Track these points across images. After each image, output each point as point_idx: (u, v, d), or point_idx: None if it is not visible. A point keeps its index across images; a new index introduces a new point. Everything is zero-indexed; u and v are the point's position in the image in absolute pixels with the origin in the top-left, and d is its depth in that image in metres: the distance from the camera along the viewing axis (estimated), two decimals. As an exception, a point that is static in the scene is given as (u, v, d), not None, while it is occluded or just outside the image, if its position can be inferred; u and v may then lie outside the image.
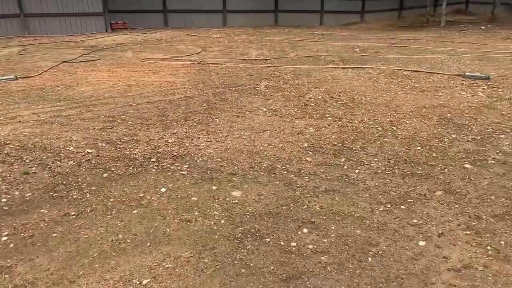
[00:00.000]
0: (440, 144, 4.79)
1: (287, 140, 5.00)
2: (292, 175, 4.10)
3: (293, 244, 3.05)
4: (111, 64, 9.88)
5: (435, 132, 5.17)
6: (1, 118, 5.80)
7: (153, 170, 4.21)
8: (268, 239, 3.10)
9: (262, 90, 7.37)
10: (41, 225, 3.31)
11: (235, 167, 4.28)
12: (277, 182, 3.96)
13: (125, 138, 5.07)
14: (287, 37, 15.35)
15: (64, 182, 3.97)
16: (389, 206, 3.55)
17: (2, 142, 4.89)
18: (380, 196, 3.70)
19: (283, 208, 3.52)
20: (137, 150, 4.69)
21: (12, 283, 2.69)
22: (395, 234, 3.16)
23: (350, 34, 16.71)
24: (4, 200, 3.66)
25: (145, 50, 12.13)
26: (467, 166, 4.26)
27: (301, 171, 4.18)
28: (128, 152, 4.64)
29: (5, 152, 4.62)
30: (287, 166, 4.30)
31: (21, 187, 3.89)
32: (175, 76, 8.54)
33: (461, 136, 5.03)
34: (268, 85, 7.72)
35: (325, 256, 2.92)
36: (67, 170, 4.22)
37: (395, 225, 3.27)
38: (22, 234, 3.19)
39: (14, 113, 6.05)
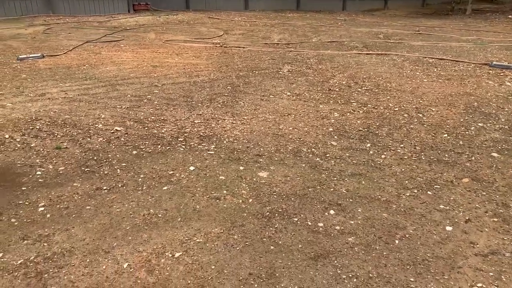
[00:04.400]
0: (467, 132, 4.76)
1: (312, 124, 5.02)
2: (317, 158, 4.13)
3: (320, 224, 3.11)
4: (134, 45, 9.95)
5: (462, 120, 5.13)
6: (31, 95, 5.93)
7: (181, 149, 4.28)
8: (295, 219, 3.16)
9: (285, 74, 7.37)
10: (75, 198, 3.42)
11: (261, 149, 4.33)
12: (303, 165, 4.00)
13: (152, 117, 5.15)
14: (309, 22, 15.22)
15: (95, 158, 4.07)
16: (415, 191, 3.57)
17: (34, 118, 5.01)
18: (406, 182, 3.72)
19: (310, 190, 3.57)
20: (165, 129, 4.77)
21: (51, 250, 2.81)
22: (421, 219, 3.19)
23: (373, 20, 16.49)
24: (39, 173, 3.78)
25: (167, 32, 12.17)
26: (495, 154, 4.24)
27: (327, 155, 4.21)
28: (156, 131, 4.72)
29: (37, 127, 4.74)
30: (313, 149, 4.33)
31: (54, 161, 4.00)
32: (198, 58, 8.58)
33: (488, 125, 4.98)
34: (291, 69, 7.71)
35: (352, 237, 2.97)
36: (97, 146, 4.32)
37: (421, 210, 3.30)
38: (58, 206, 3.30)
39: (43, 90, 6.18)
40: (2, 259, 2.73)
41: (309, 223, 3.12)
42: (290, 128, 4.87)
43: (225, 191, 3.53)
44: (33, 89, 6.20)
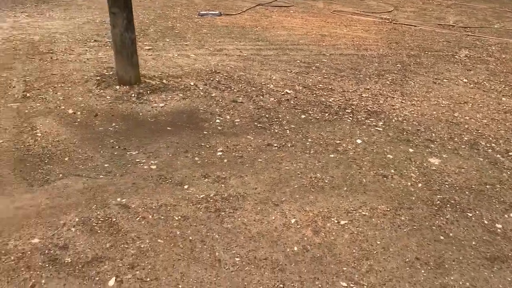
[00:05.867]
0: None
1: (492, 117, 4.57)
2: (498, 155, 3.77)
3: (499, 226, 2.86)
4: (303, 12, 10.06)
5: None
6: (211, 49, 6.42)
7: (348, 121, 4.27)
8: (470, 214, 2.95)
9: (461, 59, 6.78)
10: (249, 149, 3.66)
11: (433, 134, 4.09)
12: (480, 159, 3.69)
13: (320, 85, 5.20)
14: (491, 5, 13.66)
15: (267, 116, 4.28)
16: None
17: (213, 71, 5.44)
18: None
19: (487, 186, 3.29)
20: (332, 99, 4.79)
21: (227, 192, 3.07)
22: None
23: None
24: (218, 121, 4.12)
25: (335, 2, 12.02)
26: None
27: (510, 153, 3.81)
28: (323, 99, 4.77)
29: (217, 79, 5.14)
30: (492, 144, 3.96)
31: (231, 112, 4.31)
32: (367, 32, 8.35)
33: None
34: (469, 54, 7.06)
35: (536, 248, 2.68)
36: (268, 105, 4.53)
37: None
38: (233, 153, 3.57)
39: (220, 46, 6.64)
40: (187, 191, 3.06)
41: (485, 222, 2.88)
42: (467, 118, 4.51)
43: (392, 171, 3.44)
44: (212, 44, 6.70)
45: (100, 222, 2.72)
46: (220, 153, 3.56)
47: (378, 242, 2.66)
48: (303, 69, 5.77)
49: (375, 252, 2.58)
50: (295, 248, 2.59)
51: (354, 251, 2.59)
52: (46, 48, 6.01)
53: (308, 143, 3.80)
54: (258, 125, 4.09)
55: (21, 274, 2.30)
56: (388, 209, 2.96)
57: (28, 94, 4.45)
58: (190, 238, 2.63)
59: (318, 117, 4.30)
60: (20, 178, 3.13)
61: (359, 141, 3.87)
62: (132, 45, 4.50)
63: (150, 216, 2.79)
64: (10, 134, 3.71)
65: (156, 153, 3.52)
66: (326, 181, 3.26)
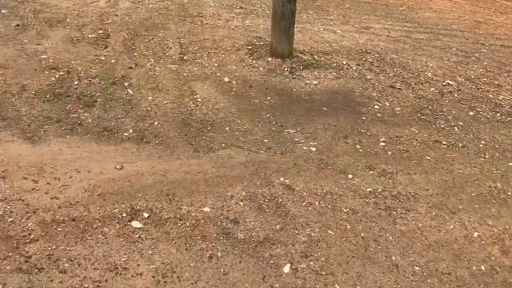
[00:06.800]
0: None
1: None
2: None
3: None
4: (451, -7, 9.20)
5: None
6: (357, 26, 6.08)
7: (525, 125, 3.76)
8: None
9: None
10: (414, 143, 3.36)
11: None
12: None
13: (484, 79, 4.67)
14: None
15: (430, 108, 3.92)
16: None
17: (363, 50, 5.13)
18: None
19: None
20: (501, 97, 4.27)
21: (395, 189, 2.83)
22: None
23: None
24: (376, 107, 3.85)
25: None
26: None
27: None
28: (491, 96, 4.26)
29: (369, 60, 4.83)
30: None
31: (390, 99, 4.01)
32: (528, 21, 7.39)
33: None
34: None
35: None
36: (430, 96, 4.15)
37: None
38: (397, 146, 3.30)
39: (366, 23, 6.26)
40: (352, 181, 2.88)
41: None
42: None
43: None
44: (357, 21, 6.34)
45: (267, 200, 2.65)
46: (383, 144, 3.31)
47: None
48: (461, 58, 5.23)
49: None
50: (482, 267, 2.30)
51: (555, 284, 2.23)
52: (195, 11, 6.11)
53: (481, 145, 3.40)
54: (422, 117, 3.75)
55: (198, 243, 2.30)
56: None
57: (185, 57, 4.53)
58: (362, 235, 2.45)
59: (488, 117, 3.85)
60: (186, 142, 3.17)
61: (542, 152, 3.39)
62: (291, 17, 4.34)
63: (317, 203, 2.66)
64: (172, 95, 3.79)
65: (314, 135, 3.37)
66: (509, 193, 2.88)
